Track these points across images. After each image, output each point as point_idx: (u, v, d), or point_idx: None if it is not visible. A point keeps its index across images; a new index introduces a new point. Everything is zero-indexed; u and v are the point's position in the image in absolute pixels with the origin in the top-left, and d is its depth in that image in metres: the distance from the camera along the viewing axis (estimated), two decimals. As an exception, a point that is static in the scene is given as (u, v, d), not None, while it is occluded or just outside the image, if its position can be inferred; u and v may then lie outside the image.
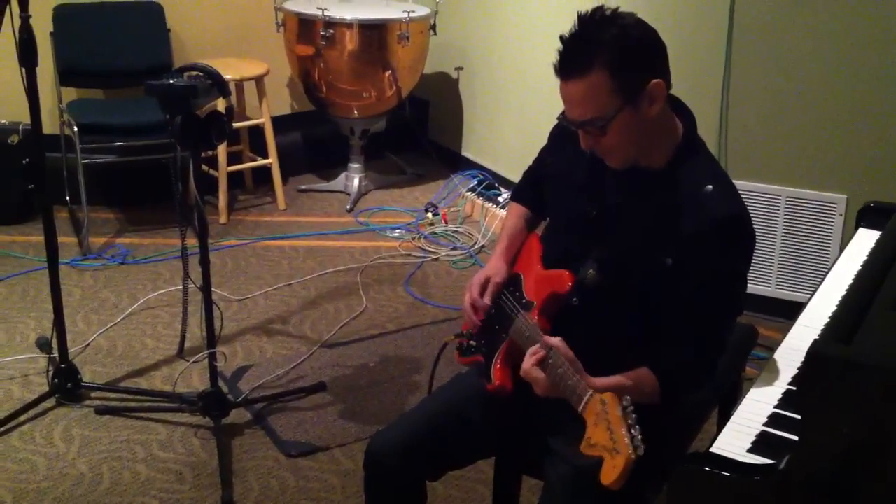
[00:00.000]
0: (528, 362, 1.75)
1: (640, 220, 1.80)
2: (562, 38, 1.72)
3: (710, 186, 1.75)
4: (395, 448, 1.93)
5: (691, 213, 1.74)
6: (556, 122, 2.00)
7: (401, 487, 1.98)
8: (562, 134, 1.97)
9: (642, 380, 1.74)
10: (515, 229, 2.12)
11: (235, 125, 4.35)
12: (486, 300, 1.99)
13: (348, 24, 4.40)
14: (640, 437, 1.50)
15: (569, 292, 1.86)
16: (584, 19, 1.72)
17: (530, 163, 2.16)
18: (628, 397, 1.56)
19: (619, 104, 1.69)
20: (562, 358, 1.70)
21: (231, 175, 4.44)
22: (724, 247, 1.73)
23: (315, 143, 5.07)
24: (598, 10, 1.72)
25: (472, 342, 2.03)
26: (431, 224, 4.44)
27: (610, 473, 1.49)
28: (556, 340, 1.73)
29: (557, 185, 1.99)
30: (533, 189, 2.14)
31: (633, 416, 1.53)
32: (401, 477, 1.96)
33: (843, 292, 2.07)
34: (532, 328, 1.85)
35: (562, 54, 1.71)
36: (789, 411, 1.73)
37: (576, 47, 1.70)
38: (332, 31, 4.38)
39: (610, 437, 1.52)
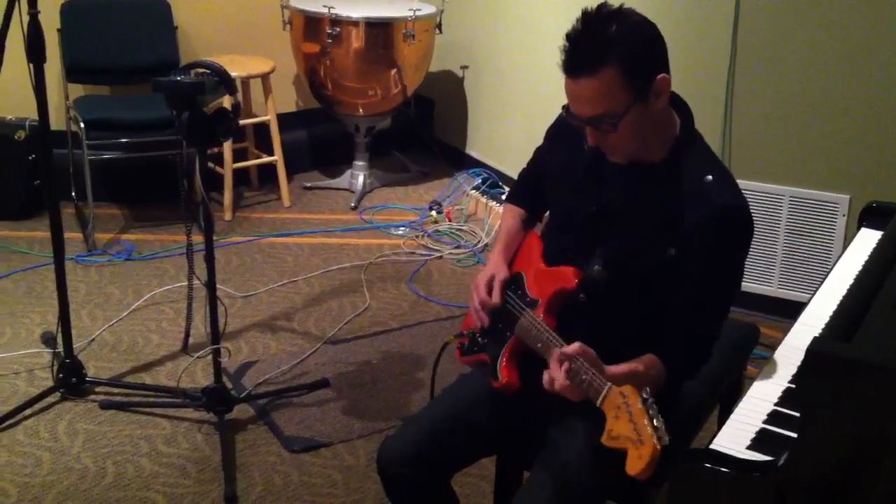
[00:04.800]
0: (562, 377, 1.67)
1: (642, 213, 1.82)
2: (568, 36, 1.72)
3: (710, 177, 1.77)
4: (403, 456, 1.94)
5: (693, 204, 1.75)
6: (553, 121, 2.01)
7: (421, 492, 2.00)
8: (559, 131, 1.98)
9: (653, 365, 1.75)
10: (512, 229, 2.12)
11: (241, 122, 4.35)
12: (496, 299, 1.98)
13: (354, 23, 4.41)
14: (663, 427, 1.51)
15: (576, 289, 1.87)
16: (589, 16, 1.71)
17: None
18: (648, 389, 1.57)
19: (630, 100, 1.70)
20: (583, 363, 1.66)
21: (236, 172, 4.46)
22: (726, 235, 1.75)
23: (320, 141, 5.08)
24: (603, 7, 1.73)
25: (478, 338, 2.03)
26: (435, 222, 4.45)
27: (636, 464, 1.51)
28: (576, 347, 1.67)
29: (556, 183, 2.00)
30: (528, 191, 2.15)
31: (655, 407, 1.54)
32: (414, 483, 1.97)
33: (845, 292, 2.08)
34: (539, 325, 1.85)
35: (570, 52, 1.71)
36: (789, 409, 1.73)
37: (585, 44, 1.70)
38: (338, 29, 4.39)
39: (634, 429, 1.54)
